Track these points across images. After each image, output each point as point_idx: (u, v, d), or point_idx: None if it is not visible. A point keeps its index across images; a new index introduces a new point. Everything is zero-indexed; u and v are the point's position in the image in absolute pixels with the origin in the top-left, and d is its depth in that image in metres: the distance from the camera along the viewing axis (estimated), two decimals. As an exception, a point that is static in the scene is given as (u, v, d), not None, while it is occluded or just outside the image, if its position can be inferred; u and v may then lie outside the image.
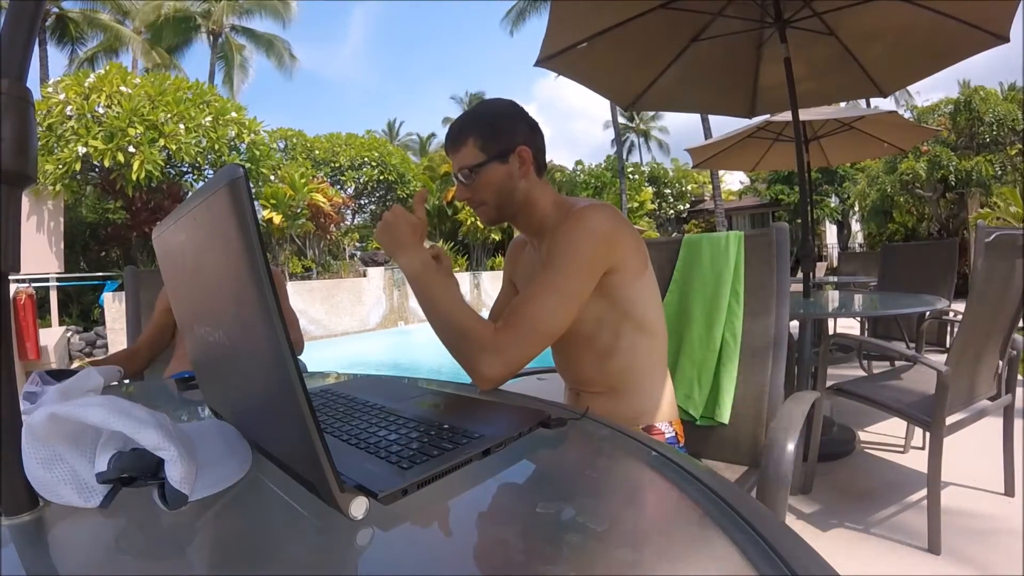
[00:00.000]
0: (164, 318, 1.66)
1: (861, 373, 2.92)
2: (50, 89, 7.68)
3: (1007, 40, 2.53)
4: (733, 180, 23.07)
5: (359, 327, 10.38)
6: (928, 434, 1.64)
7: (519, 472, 0.52)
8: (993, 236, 1.57)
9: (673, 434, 1.04)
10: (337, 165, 14.21)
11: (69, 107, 7.36)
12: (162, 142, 7.59)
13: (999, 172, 10.10)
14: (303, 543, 0.39)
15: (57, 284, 7.54)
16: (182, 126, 7.82)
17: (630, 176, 18.58)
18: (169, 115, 7.77)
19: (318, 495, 0.41)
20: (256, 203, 9.13)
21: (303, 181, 10.79)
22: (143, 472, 0.40)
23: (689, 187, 21.02)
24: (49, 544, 0.42)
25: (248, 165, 8.80)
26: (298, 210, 10.47)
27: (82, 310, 8.38)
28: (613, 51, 2.80)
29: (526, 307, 0.88)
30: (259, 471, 0.51)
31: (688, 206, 20.80)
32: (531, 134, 1.02)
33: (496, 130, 0.99)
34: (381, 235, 0.94)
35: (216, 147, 8.25)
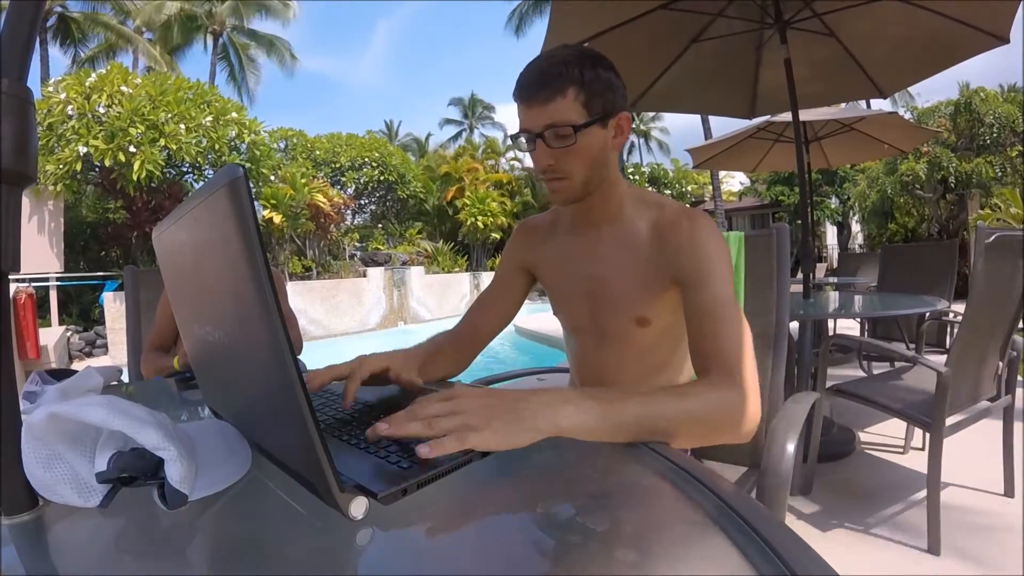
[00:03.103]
0: (166, 320, 1.65)
1: (861, 374, 2.92)
2: (51, 89, 7.69)
3: (1007, 41, 2.53)
4: (733, 181, 23.07)
5: (359, 327, 10.39)
6: (928, 435, 1.64)
7: (519, 472, 0.52)
8: (993, 237, 1.57)
9: None
10: (338, 165, 14.22)
11: (70, 107, 7.38)
12: (163, 142, 7.61)
13: (999, 173, 10.09)
14: (303, 543, 0.39)
15: (57, 284, 7.54)
16: (182, 126, 7.84)
17: (631, 177, 18.61)
18: (170, 115, 7.79)
19: (318, 495, 0.41)
20: (256, 203, 9.15)
21: (303, 181, 10.80)
22: (143, 472, 0.40)
23: (689, 188, 21.05)
24: (49, 544, 0.42)
25: (248, 165, 8.81)
26: (298, 210, 10.48)
27: (82, 310, 8.40)
28: (613, 52, 2.75)
29: (727, 339, 0.73)
30: (259, 471, 0.51)
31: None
32: (626, 99, 0.84)
33: (608, 85, 0.80)
34: (511, 429, 0.53)
35: (216, 147, 8.27)
